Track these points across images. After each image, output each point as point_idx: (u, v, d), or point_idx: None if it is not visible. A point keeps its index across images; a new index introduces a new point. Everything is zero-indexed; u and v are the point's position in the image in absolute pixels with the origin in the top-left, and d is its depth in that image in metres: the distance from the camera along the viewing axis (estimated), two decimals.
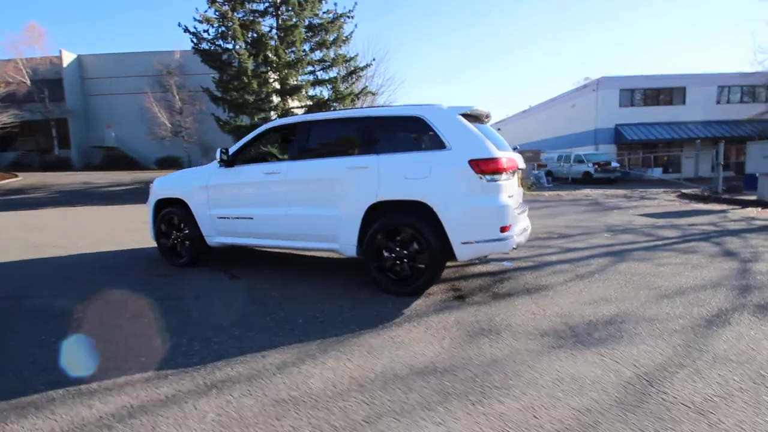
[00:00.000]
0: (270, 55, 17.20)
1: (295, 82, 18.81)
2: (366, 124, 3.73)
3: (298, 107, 20.01)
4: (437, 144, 3.43)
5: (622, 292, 3.60)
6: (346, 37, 19.03)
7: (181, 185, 4.64)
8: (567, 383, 2.14)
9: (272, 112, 19.14)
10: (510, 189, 3.46)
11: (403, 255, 3.51)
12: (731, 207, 10.16)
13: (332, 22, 18.46)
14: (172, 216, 4.69)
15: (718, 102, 26.01)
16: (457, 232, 3.30)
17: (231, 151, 4.26)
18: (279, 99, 18.69)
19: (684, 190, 14.21)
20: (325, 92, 20.08)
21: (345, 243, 3.74)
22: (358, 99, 21.27)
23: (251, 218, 4.14)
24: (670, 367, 2.28)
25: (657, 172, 24.86)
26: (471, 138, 3.37)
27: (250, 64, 16.02)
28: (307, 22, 17.94)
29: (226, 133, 18.65)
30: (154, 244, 5.06)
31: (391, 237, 3.55)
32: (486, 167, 3.24)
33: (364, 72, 20.50)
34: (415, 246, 3.48)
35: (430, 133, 3.48)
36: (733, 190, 12.42)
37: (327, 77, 19.58)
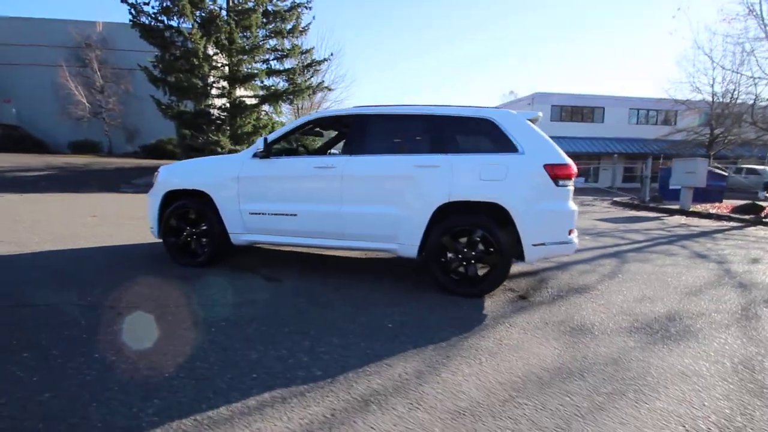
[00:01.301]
0: (222, 38, 15.98)
1: (249, 70, 17.71)
2: (432, 122, 3.64)
3: (249, 96, 18.86)
4: (508, 147, 3.47)
5: (654, 290, 3.97)
6: (303, 28, 18.40)
7: (203, 176, 4.11)
8: (691, 376, 2.31)
9: (220, 100, 17.83)
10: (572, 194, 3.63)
11: (470, 256, 3.51)
12: (661, 214, 11.73)
13: (290, 10, 17.73)
14: (187, 210, 4.13)
15: (630, 122, 29.85)
16: (530, 234, 3.38)
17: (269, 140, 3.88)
18: (228, 86, 17.45)
19: (616, 199, 16.08)
20: (280, 83, 19.19)
21: (405, 243, 3.62)
22: (314, 93, 20.69)
23: (294, 215, 3.81)
24: (756, 355, 2.58)
25: (580, 181, 27.81)
26: (543, 143, 3.47)
27: (201, 46, 14.71)
28: (263, 8, 16.98)
29: (169, 119, 17.01)
30: (131, 241, 4.44)
31: (456, 238, 3.53)
32: (560, 172, 3.37)
33: (322, 66, 19.96)
34: (481, 247, 3.49)
35: (500, 136, 3.51)
36: (656, 200, 14.32)
37: (282, 68, 18.75)
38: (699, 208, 12.07)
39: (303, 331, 2.72)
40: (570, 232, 3.48)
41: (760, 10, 12.82)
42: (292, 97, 18.13)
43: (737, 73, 15.05)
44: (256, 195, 3.92)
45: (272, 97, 18.13)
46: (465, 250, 3.52)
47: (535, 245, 3.41)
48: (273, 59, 18.75)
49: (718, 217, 10.86)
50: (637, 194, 15.95)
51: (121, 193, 12.99)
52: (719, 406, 2.02)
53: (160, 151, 22.58)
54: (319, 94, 24.27)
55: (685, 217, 11.13)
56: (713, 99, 22.92)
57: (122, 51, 22.81)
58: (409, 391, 2.05)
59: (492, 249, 3.46)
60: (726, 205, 12.85)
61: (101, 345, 2.43)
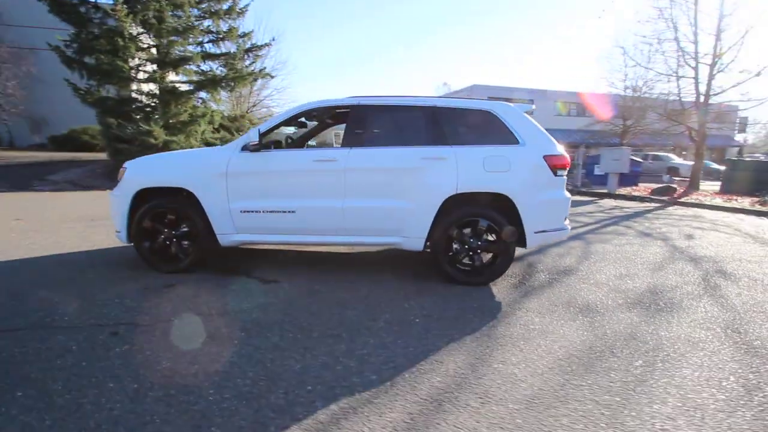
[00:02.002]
0: (150, 16, 14.45)
1: (181, 53, 16.24)
2: (435, 113, 3.61)
3: (183, 82, 17.34)
4: (509, 139, 3.57)
5: (626, 268, 4.38)
6: (241, 9, 17.26)
7: (184, 172, 3.69)
8: (698, 343, 2.59)
9: (148, 85, 16.19)
10: None
11: (477, 246, 3.58)
12: (594, 198, 12.94)
13: None
14: (164, 210, 3.70)
15: (555, 114, 32.36)
16: (532, 222, 3.53)
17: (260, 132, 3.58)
18: (158, 70, 15.88)
19: None
20: (216, 68, 17.86)
21: (411, 236, 3.59)
22: (256, 80, 19.61)
23: (293, 212, 3.58)
24: (735, 320, 2.96)
25: None
26: (541, 135, 3.62)
27: (127, 24, 13.17)
28: None
29: (89, 105, 15.07)
30: (85, 246, 3.92)
31: (461, 229, 3.59)
32: (557, 163, 3.54)
33: (263, 51, 18.90)
34: (486, 236, 3.59)
35: (501, 128, 3.59)
36: (585, 185, 15.76)
37: (219, 52, 17.46)
38: (622, 191, 13.54)
39: (333, 334, 2.60)
40: (565, 218, 3.70)
41: (671, 14, 14.51)
42: (233, 83, 16.97)
43: (648, 69, 16.88)
44: (248, 192, 3.62)
45: (210, 83, 16.81)
46: (471, 240, 3.58)
47: (536, 232, 3.57)
48: (208, 42, 17.37)
49: (641, 199, 12.26)
50: (570, 180, 17.41)
51: (36, 191, 11.33)
52: (732, 368, 2.30)
53: (74, 143, 20.01)
54: (260, 81, 23.04)
55: (614, 200, 12.40)
56: (624, 93, 25.61)
57: (23, 28, 19.65)
58: (471, 386, 2.05)
59: (497, 238, 3.56)
60: (643, 188, 14.55)
61: (110, 371, 2.11)
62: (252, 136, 3.50)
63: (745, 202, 10.90)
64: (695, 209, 10.23)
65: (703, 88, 14.92)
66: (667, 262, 4.67)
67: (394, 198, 3.54)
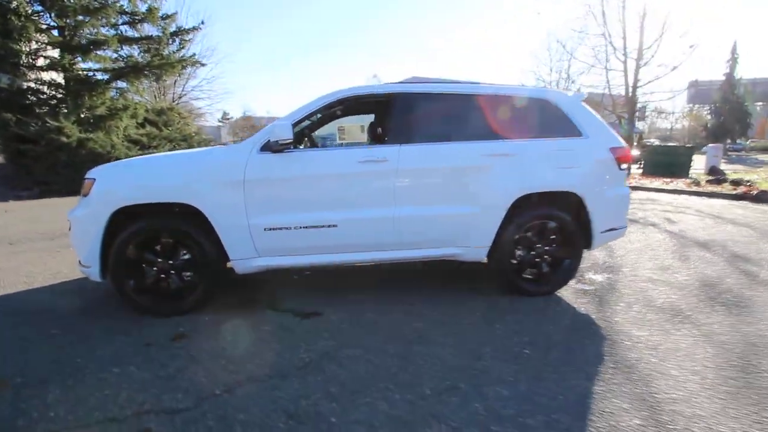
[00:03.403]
0: None
1: (92, 36, 13.85)
2: (494, 103, 3.10)
3: (97, 69, 14.87)
4: (572, 131, 3.19)
5: (657, 259, 4.30)
6: None
7: (184, 180, 2.76)
8: None
9: (53, 72, 13.64)
10: None
11: (544, 251, 3.18)
12: None
13: None
14: (158, 233, 2.77)
15: None
16: (600, 221, 3.21)
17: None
18: (66, 55, 13.41)
19: None
20: (137, 54, 15.58)
21: (473, 246, 3.08)
22: (185, 68, 17.56)
23: (334, 226, 2.87)
24: None
25: None
26: (601, 126, 3.29)
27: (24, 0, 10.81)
28: None
29: None
30: (22, 282, 2.89)
31: (528, 233, 3.17)
32: (622, 155, 3.25)
33: (190, 36, 16.91)
34: (553, 240, 3.21)
35: (562, 119, 3.20)
36: None
37: (138, 36, 15.24)
38: None
39: (448, 387, 2.01)
40: (626, 215, 3.45)
41: (602, 12, 15.54)
42: (159, 71, 14.93)
43: (578, 60, 18.09)
44: (275, 204, 2.83)
45: (131, 71, 14.63)
46: (538, 245, 3.18)
47: (603, 232, 3.27)
48: (124, 24, 15.09)
49: None
50: None
51: None
52: None
53: None
54: (188, 70, 20.71)
55: None
56: (550, 85, 27.34)
57: None
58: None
59: (565, 241, 3.19)
60: None
61: None
62: (279, 132, 2.70)
63: (680, 183, 12.01)
64: (644, 192, 11.02)
65: (630, 80, 16.29)
66: (684, 250, 4.71)
67: (454, 203, 3.00)
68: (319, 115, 3.52)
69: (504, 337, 2.54)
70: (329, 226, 2.87)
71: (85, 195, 2.78)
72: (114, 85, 14.78)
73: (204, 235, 2.79)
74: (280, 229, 2.84)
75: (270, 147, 2.79)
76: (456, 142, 3.03)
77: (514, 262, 3.17)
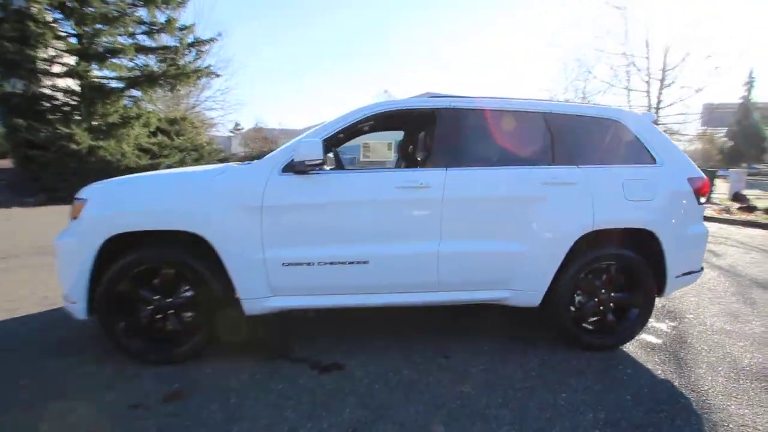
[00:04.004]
0: None
1: (109, 44, 13.82)
2: (554, 122, 2.66)
3: (112, 78, 14.82)
4: (644, 157, 2.73)
5: (722, 303, 3.78)
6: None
7: (189, 204, 2.33)
8: None
9: (69, 79, 13.57)
10: None
11: (608, 298, 2.69)
12: None
13: None
14: (157, 265, 2.34)
15: None
16: (677, 264, 2.72)
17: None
18: (82, 63, 13.35)
19: None
20: (152, 64, 15.54)
21: (525, 289, 2.60)
22: (200, 79, 17.52)
23: (365, 263, 2.41)
24: None
25: None
26: (677, 152, 2.83)
27: (41, 6, 10.77)
28: None
29: None
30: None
31: (592, 276, 2.69)
32: (702, 187, 2.78)
33: (207, 47, 16.89)
34: (618, 284, 2.72)
35: (634, 142, 2.74)
36: None
37: (155, 45, 15.22)
38: None
39: None
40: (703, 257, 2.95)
41: (625, 32, 15.22)
42: (174, 81, 14.83)
43: (594, 77, 17.53)
44: (297, 234, 2.39)
45: (146, 80, 14.53)
46: (602, 291, 2.69)
47: (678, 276, 2.77)
48: (141, 33, 15.08)
49: None
50: None
51: None
52: None
53: None
54: (202, 80, 20.72)
55: None
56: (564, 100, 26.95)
57: None
58: None
59: (635, 286, 2.70)
60: None
61: None
62: (307, 151, 2.26)
63: (707, 210, 11.42)
64: None
65: (654, 101, 15.84)
66: (745, 291, 4.16)
67: (506, 239, 2.53)
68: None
69: (573, 412, 2.04)
70: (359, 262, 2.41)
71: (75, 218, 2.37)
72: (128, 93, 14.70)
73: (210, 269, 2.35)
74: (301, 264, 2.39)
75: (294, 167, 2.36)
76: (511, 167, 2.58)
77: (573, 309, 2.69)
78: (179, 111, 20.62)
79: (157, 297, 2.37)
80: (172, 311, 2.39)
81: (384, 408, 2.04)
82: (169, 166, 14.33)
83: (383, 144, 13.44)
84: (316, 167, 2.32)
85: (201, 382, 2.24)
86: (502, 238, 2.53)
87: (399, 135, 4.28)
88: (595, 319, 2.74)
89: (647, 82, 15.46)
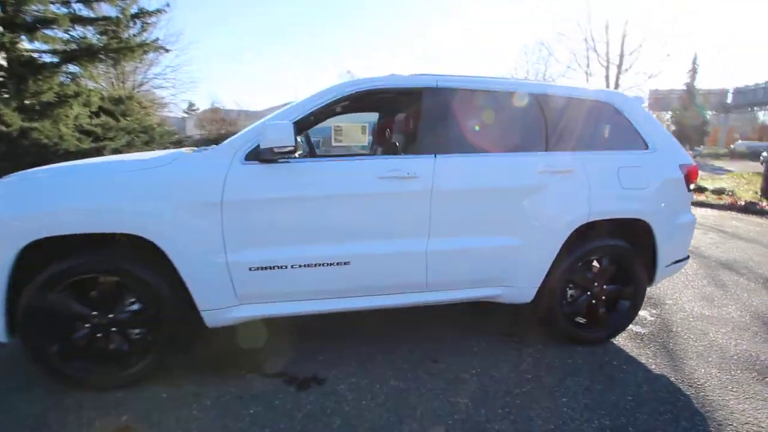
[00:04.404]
0: None
1: (40, 13, 12.27)
2: (549, 104, 2.44)
3: (45, 51, 13.25)
4: (635, 143, 2.59)
5: (698, 287, 3.84)
6: None
7: (133, 201, 1.92)
8: None
9: None
10: None
11: (601, 291, 2.57)
12: None
13: None
14: (93, 275, 1.93)
15: None
16: (667, 253, 2.63)
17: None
18: (8, 34, 11.79)
19: None
20: (91, 36, 14.03)
21: (519, 285, 2.42)
22: (147, 53, 16.10)
23: (346, 263, 2.12)
24: None
25: None
26: (669, 138, 2.72)
27: None
28: None
29: None
30: None
31: (585, 269, 2.56)
32: (692, 175, 2.68)
33: (155, 18, 15.47)
34: (611, 275, 2.60)
35: (626, 127, 2.59)
36: None
37: (93, 15, 13.72)
38: None
39: None
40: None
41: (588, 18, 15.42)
42: (116, 55, 13.44)
43: (557, 60, 17.85)
44: (266, 233, 2.05)
45: (84, 53, 13.06)
46: (595, 283, 2.56)
47: (668, 265, 2.70)
48: (77, 2, 13.51)
49: None
50: None
51: None
52: None
53: None
54: (150, 56, 19.10)
55: None
56: None
57: None
58: None
59: (627, 278, 2.60)
60: None
61: None
62: (276, 135, 1.90)
63: None
64: None
65: (612, 85, 16.31)
66: (713, 273, 4.27)
67: (500, 233, 2.33)
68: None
69: (578, 420, 1.90)
70: (339, 263, 2.12)
71: None
72: (64, 69, 13.21)
73: (161, 277, 1.98)
74: (272, 268, 2.06)
75: (259, 155, 2.00)
76: (505, 155, 2.35)
77: (566, 303, 2.55)
78: (125, 90, 18.97)
79: (96, 313, 1.98)
80: (116, 328, 2.01)
81: (376, 430, 1.80)
82: (115, 150, 13.18)
83: (357, 127, 12.47)
84: (286, 155, 1.98)
85: (153, 411, 1.90)
86: (496, 233, 2.32)
87: (372, 117, 3.96)
88: (586, 312, 2.62)
89: (606, 66, 15.86)
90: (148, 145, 15.65)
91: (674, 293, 3.65)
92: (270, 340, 2.52)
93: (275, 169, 2.04)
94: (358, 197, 2.13)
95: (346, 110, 3.15)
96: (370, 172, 2.15)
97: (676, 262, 2.76)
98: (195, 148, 2.29)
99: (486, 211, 2.29)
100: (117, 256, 1.98)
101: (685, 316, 3.16)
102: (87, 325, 1.98)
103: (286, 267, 2.08)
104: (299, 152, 2.55)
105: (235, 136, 2.11)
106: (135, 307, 2.03)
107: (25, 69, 11.95)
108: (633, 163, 2.51)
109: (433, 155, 2.23)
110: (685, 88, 49.09)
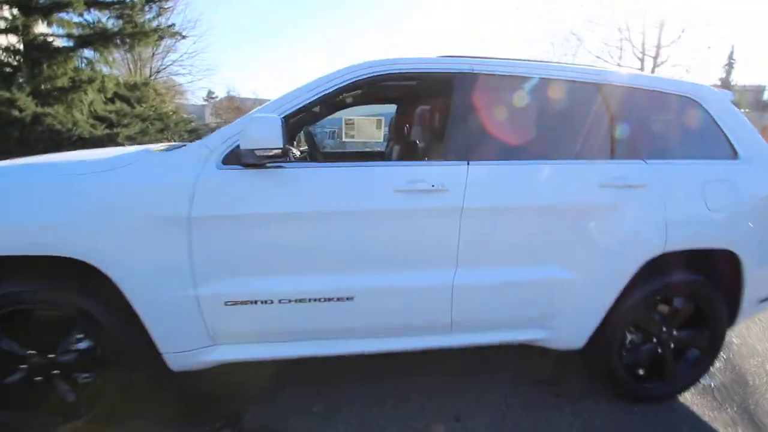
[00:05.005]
0: None
1: None
2: (613, 97, 1.91)
3: (59, 35, 13.11)
4: (722, 150, 2.02)
5: (765, 321, 3.26)
6: None
7: (72, 216, 1.49)
8: None
9: (8, 37, 11.92)
10: None
11: (673, 338, 2.04)
12: None
13: None
14: (25, 307, 1.52)
15: None
16: (755, 291, 2.08)
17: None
18: (22, 17, 11.66)
19: None
20: (105, 20, 13.84)
21: (570, 327, 1.91)
22: (162, 39, 15.89)
23: (349, 299, 1.66)
24: None
25: None
26: (761, 144, 2.14)
27: None
28: None
29: None
30: None
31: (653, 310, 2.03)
32: None
33: (172, 3, 15.23)
34: (684, 317, 2.07)
35: (711, 129, 2.03)
36: None
37: (109, 0, 13.50)
38: None
39: None
40: None
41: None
42: (131, 40, 13.23)
43: (587, 51, 16.92)
44: (246, 259, 1.59)
45: (99, 38, 12.90)
46: (664, 327, 2.03)
47: (755, 304, 2.15)
48: None
49: None
50: None
51: None
52: None
53: None
54: (166, 42, 18.89)
55: None
56: None
57: None
58: None
59: (705, 320, 2.06)
60: None
61: None
62: (260, 133, 1.43)
63: None
64: None
65: None
66: None
67: (550, 262, 1.81)
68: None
69: None
70: (340, 299, 1.66)
71: None
72: (79, 53, 13.08)
73: (109, 308, 1.55)
74: (255, 303, 1.61)
75: (240, 158, 1.54)
76: (560, 162, 1.83)
77: (625, 352, 2.03)
78: (141, 76, 18.84)
79: (35, 353, 1.57)
80: (58, 371, 1.60)
81: None
82: (129, 137, 13.06)
83: (371, 121, 11.44)
84: (274, 158, 1.51)
85: None
86: (543, 263, 1.80)
87: (389, 109, 3.45)
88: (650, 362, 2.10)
89: (641, 59, 14.87)
90: (162, 132, 15.52)
91: (739, 329, 3.06)
92: (253, 381, 2.08)
93: (262, 177, 1.58)
94: (368, 216, 1.64)
95: (358, 101, 2.67)
96: (385, 182, 1.66)
97: (765, 299, 2.21)
98: (167, 145, 1.85)
99: (531, 236, 1.78)
100: (66, 286, 1.56)
101: (759, 362, 2.59)
102: (24, 367, 1.57)
103: (272, 302, 1.62)
104: (297, 153, 2.07)
105: (211, 134, 1.65)
106: (82, 345, 1.61)
107: (39, 53, 11.82)
108: (721, 176, 1.95)
109: (466, 162, 1.72)
110: (719, 83, 46.86)
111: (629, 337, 2.05)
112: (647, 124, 1.96)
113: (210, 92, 41.07)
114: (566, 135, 1.89)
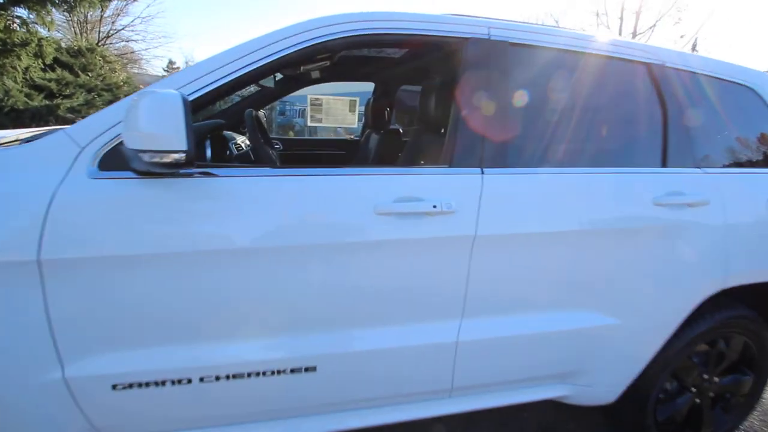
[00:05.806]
0: None
1: None
2: (668, 84, 1.41)
3: None
4: None
5: None
6: None
7: None
8: None
9: None
10: None
11: (714, 387, 1.65)
12: None
13: None
14: None
15: None
16: None
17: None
18: None
19: None
20: None
21: (603, 381, 1.48)
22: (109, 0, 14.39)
23: (308, 370, 1.13)
24: None
25: None
26: None
27: None
28: None
29: None
30: None
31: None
32: None
33: None
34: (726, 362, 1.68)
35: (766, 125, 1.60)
36: None
37: None
38: None
39: None
40: None
41: None
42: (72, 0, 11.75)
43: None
44: (142, 321, 1.03)
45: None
46: (705, 375, 1.64)
47: None
48: None
49: None
50: None
51: None
52: None
53: None
54: (115, 4, 17.12)
55: None
56: None
57: None
58: None
59: (751, 363, 1.68)
60: None
61: None
62: (150, 126, 0.84)
63: None
64: None
65: None
66: None
67: (585, 305, 1.34)
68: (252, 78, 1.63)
69: None
70: (296, 370, 1.12)
71: None
72: (10, 12, 11.44)
73: None
74: (162, 384, 1.06)
75: (129, 162, 0.95)
76: (602, 171, 1.32)
77: (659, 404, 1.63)
78: (86, 41, 16.97)
79: None
80: None
81: None
82: (71, 109, 11.74)
83: (343, 102, 9.41)
84: (182, 164, 0.93)
85: None
86: (579, 307, 1.33)
87: (366, 88, 2.84)
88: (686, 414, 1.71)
89: None
90: (111, 104, 14.14)
91: None
92: None
93: (167, 191, 0.99)
94: (336, 251, 1.09)
95: (325, 76, 2.06)
96: (362, 201, 1.10)
97: None
98: (32, 133, 1.21)
99: (566, 272, 1.29)
100: None
101: None
102: None
103: (190, 381, 1.07)
104: (243, 145, 1.47)
105: (76, 123, 1.03)
106: None
107: None
108: None
109: (479, 169, 1.20)
110: None
111: (668, 386, 1.66)
112: (706, 121, 1.49)
113: (171, 61, 38.25)
114: (612, 133, 1.39)
